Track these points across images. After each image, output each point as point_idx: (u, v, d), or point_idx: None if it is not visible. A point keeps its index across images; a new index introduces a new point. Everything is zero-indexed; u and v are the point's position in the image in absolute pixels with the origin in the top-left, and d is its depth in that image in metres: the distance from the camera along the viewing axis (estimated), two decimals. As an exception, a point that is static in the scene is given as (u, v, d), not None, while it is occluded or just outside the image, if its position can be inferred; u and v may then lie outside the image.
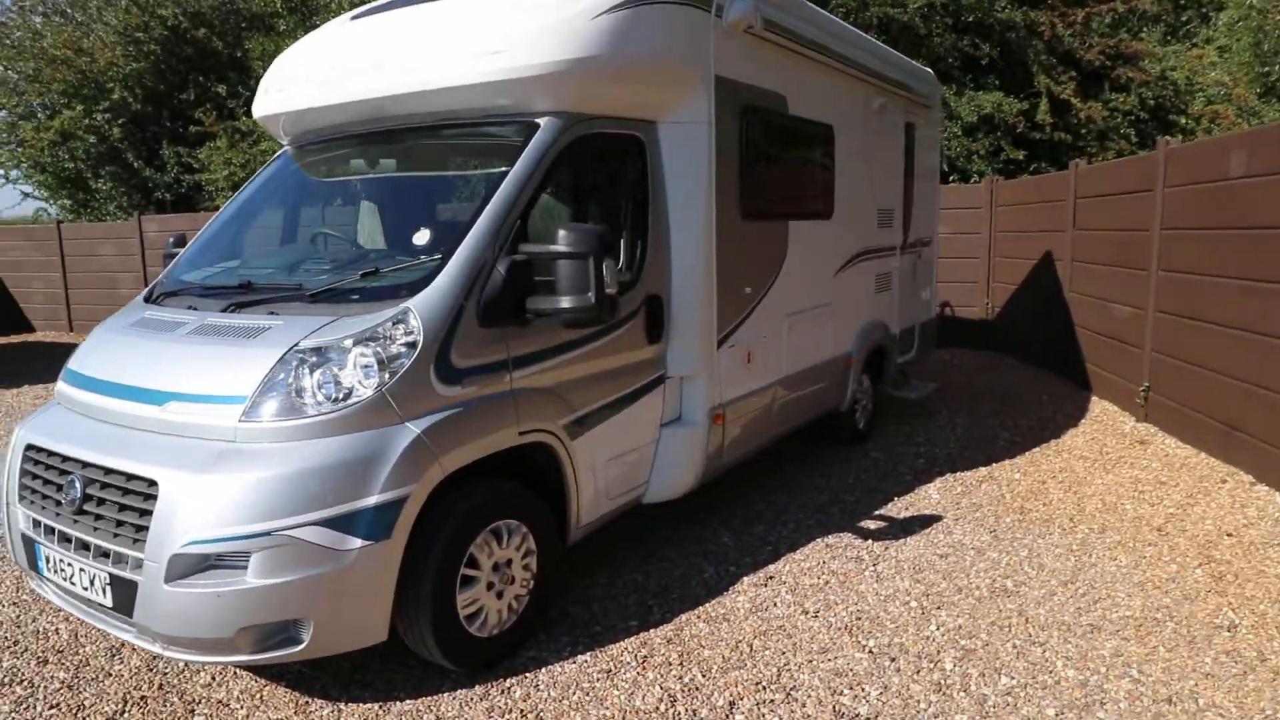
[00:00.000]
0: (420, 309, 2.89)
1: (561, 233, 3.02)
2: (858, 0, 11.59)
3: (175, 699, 3.05)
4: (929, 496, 5.12)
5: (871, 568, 4.04)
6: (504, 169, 3.27)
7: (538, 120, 3.44)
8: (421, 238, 3.25)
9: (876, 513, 4.85)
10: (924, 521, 4.66)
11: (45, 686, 3.16)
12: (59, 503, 2.91)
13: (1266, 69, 16.05)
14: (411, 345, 2.84)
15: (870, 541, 4.38)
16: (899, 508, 4.93)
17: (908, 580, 3.89)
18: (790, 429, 5.25)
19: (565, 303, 3.05)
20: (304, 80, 4.01)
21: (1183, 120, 13.70)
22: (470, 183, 3.41)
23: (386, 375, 2.78)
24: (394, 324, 2.86)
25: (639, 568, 4.11)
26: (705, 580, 3.95)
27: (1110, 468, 5.65)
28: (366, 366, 2.77)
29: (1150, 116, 13.36)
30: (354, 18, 4.20)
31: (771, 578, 3.96)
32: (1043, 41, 12.34)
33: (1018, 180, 10.45)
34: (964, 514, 4.77)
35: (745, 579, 3.95)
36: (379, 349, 2.80)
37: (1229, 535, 4.36)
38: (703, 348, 4.14)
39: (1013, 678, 3.09)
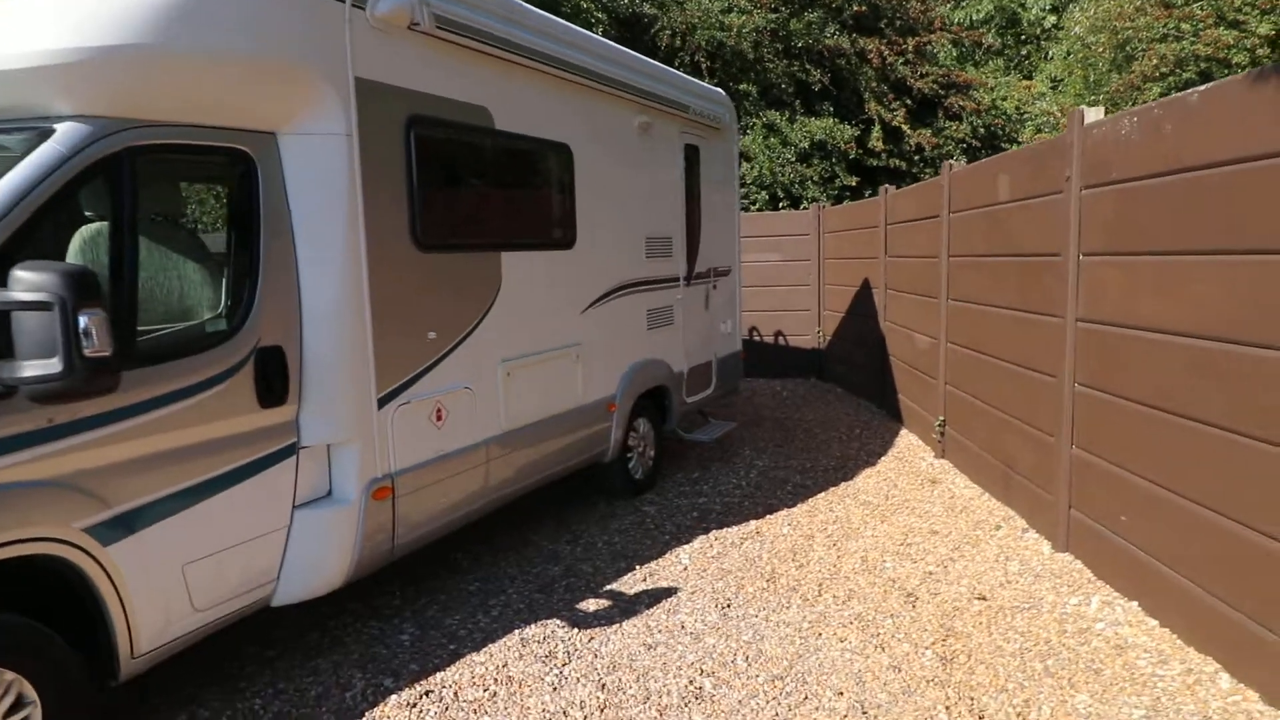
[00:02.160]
0: None
1: (15, 274, 2.22)
2: (684, 25, 11.25)
3: None
4: (678, 562, 4.49)
5: (558, 670, 3.34)
6: (-23, 191, 2.44)
7: (54, 126, 2.63)
8: None
9: (607, 588, 4.18)
10: (653, 598, 4.02)
11: None
12: None
13: (1094, 99, 16.76)
14: None
15: (577, 631, 3.69)
16: (636, 580, 4.27)
17: (591, 686, 3.20)
18: (523, 491, 4.52)
19: (28, 370, 2.24)
20: None
21: (1014, 148, 14.02)
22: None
23: None
24: None
25: (270, 685, 3.27)
26: (343, 703, 3.15)
27: (889, 515, 5.19)
28: None
29: (982, 145, 13.59)
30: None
31: (429, 693, 3.20)
32: (873, 69, 12.33)
33: (841, 206, 10.24)
34: (704, 585, 4.16)
35: (394, 697, 3.17)
36: None
37: (981, 599, 3.89)
38: (352, 408, 3.38)
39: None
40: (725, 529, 5.01)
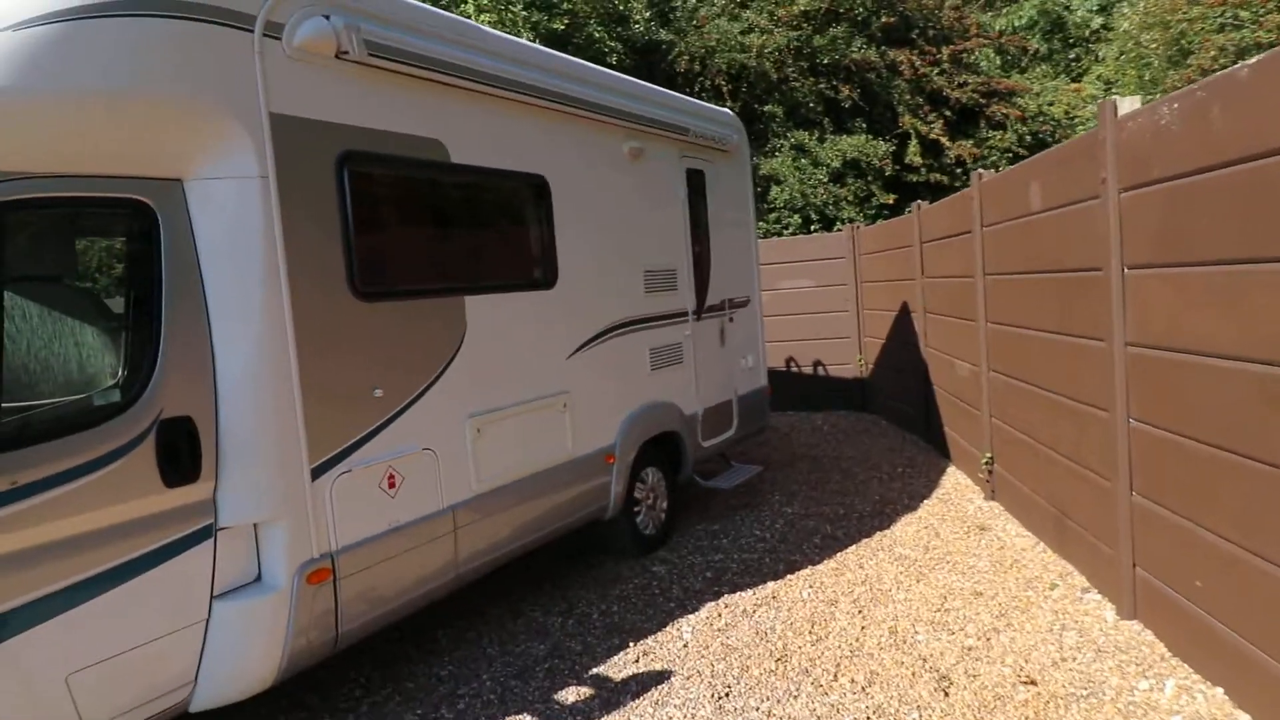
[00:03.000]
0: None
1: None
2: (702, 48, 10.90)
3: None
4: (679, 637, 3.97)
5: (514, 783, 2.86)
6: None
7: (-96, 184, 2.35)
8: None
9: (593, 671, 3.68)
10: (643, 684, 3.51)
11: None
12: None
13: (1149, 98, 15.81)
14: None
15: (547, 729, 3.20)
16: (627, 660, 3.76)
17: (547, 807, 2.71)
18: (505, 559, 4.07)
19: None
20: None
21: (1064, 155, 13.22)
22: None
23: None
24: None
25: (188, 807, 2.88)
26: (260, 828, 2.74)
27: (927, 571, 4.57)
28: None
29: (1030, 153, 12.83)
30: None
31: (361, 814, 2.76)
32: (906, 81, 11.76)
33: (875, 226, 9.65)
34: (704, 666, 3.63)
35: (320, 821, 2.74)
36: None
37: (1029, 683, 3.26)
38: (278, 481, 3.00)
39: None
40: (739, 593, 4.46)
